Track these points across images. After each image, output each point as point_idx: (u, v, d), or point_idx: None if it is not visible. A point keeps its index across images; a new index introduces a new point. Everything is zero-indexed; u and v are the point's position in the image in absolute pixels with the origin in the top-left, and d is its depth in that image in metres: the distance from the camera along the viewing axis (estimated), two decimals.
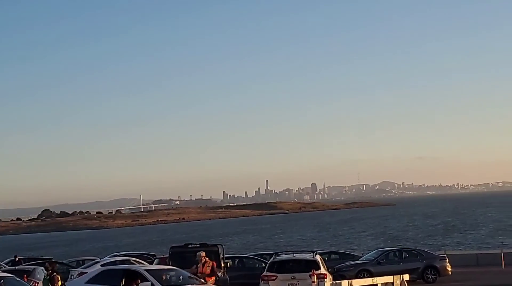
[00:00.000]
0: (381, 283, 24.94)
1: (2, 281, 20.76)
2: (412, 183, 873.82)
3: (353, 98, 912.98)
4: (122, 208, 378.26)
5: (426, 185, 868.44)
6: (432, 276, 33.08)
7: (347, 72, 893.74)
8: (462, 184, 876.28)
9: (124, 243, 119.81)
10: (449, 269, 33.48)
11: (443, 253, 38.16)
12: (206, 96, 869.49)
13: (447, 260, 33.89)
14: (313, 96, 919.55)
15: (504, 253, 40.42)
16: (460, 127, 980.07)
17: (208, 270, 23.44)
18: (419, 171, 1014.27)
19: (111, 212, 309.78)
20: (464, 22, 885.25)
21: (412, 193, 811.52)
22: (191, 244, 30.56)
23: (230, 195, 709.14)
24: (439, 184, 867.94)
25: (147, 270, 19.42)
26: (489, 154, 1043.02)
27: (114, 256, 39.31)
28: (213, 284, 22.25)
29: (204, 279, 22.04)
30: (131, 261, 33.04)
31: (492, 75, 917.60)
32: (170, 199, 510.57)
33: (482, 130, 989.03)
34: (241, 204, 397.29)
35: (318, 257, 25.54)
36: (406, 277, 26.04)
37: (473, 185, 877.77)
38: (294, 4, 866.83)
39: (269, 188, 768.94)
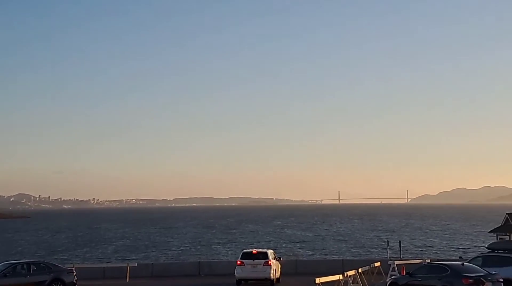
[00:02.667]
0: None
1: None
2: (49, 197, 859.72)
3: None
4: None
5: (63, 199, 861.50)
6: None
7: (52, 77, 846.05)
8: (98, 200, 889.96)
9: None
10: (76, 282, 33.62)
11: (72, 266, 38.13)
12: None
13: (75, 273, 33.97)
14: None
15: (129, 266, 41.93)
16: (96, 143, 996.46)
17: None
18: (56, 185, 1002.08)
19: None
20: None
21: (49, 206, 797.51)
22: None
23: None
24: (75, 199, 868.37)
25: None
26: (124, 172, 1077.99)
27: None
28: None
29: None
30: None
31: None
32: None
33: (119, 148, 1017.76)
34: None
35: None
36: None
37: (108, 200, 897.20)
38: None
39: None
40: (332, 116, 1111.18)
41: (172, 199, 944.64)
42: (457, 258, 47.77)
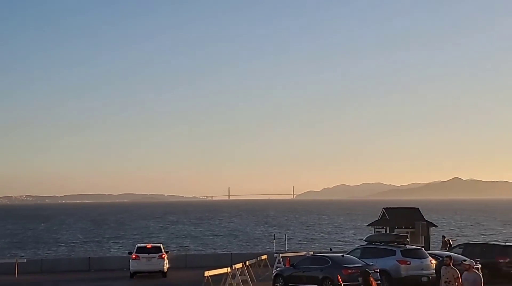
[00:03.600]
0: None
1: None
2: None
3: None
4: None
5: None
6: None
7: None
8: None
9: None
10: None
11: None
12: None
13: None
14: None
15: (18, 262, 40.55)
16: None
17: None
18: None
19: None
20: None
21: None
22: None
23: None
24: None
25: None
26: (13, 168, 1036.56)
27: None
28: None
29: None
30: None
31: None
32: None
33: (6, 143, 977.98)
34: None
35: None
36: None
37: None
38: None
39: None
40: (219, 112, 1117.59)
41: (63, 195, 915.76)
42: (332, 250, 49.34)
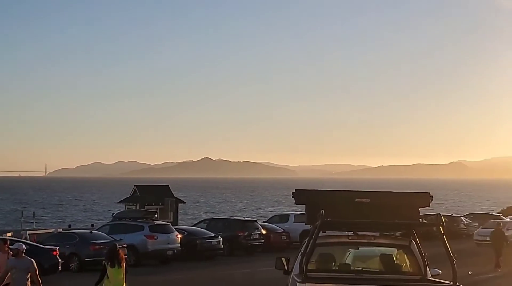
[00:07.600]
0: None
1: None
2: None
3: None
4: None
5: None
6: None
7: None
8: None
9: None
10: None
11: None
12: None
13: None
14: None
15: None
16: None
17: None
18: None
19: None
20: None
21: None
22: None
23: None
24: None
25: None
26: None
27: None
28: None
29: None
30: None
31: None
32: None
33: None
34: None
35: None
36: None
37: None
38: None
39: None
40: None
41: None
42: (94, 226, 49.04)
